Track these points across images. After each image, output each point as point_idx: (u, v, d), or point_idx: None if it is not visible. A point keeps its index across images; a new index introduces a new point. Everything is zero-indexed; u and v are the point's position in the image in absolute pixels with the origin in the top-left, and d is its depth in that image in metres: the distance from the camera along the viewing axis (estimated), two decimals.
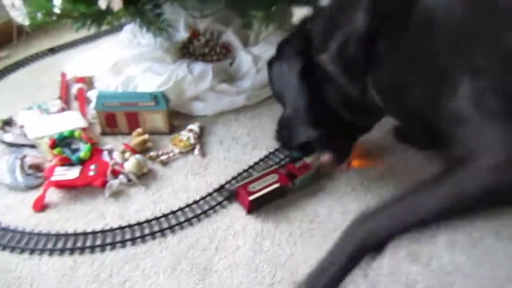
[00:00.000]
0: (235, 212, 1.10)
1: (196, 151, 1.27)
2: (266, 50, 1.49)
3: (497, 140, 0.62)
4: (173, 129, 1.35)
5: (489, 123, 0.64)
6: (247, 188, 1.09)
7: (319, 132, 1.04)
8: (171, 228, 1.06)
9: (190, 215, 1.09)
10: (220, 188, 1.16)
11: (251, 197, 1.07)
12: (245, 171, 1.21)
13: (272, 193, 1.10)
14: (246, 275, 0.96)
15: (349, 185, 1.17)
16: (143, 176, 1.20)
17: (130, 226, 1.06)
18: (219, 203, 1.12)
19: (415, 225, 0.68)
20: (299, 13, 1.63)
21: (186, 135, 1.30)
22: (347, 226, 0.76)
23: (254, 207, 1.09)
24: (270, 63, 1.12)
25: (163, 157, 1.25)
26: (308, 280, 0.75)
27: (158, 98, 1.29)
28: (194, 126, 1.33)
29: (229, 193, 1.13)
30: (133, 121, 1.31)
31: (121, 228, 1.06)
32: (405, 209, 0.69)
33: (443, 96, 0.69)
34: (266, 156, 1.26)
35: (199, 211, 1.10)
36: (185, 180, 1.19)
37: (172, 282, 0.95)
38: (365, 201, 1.12)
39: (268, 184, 1.10)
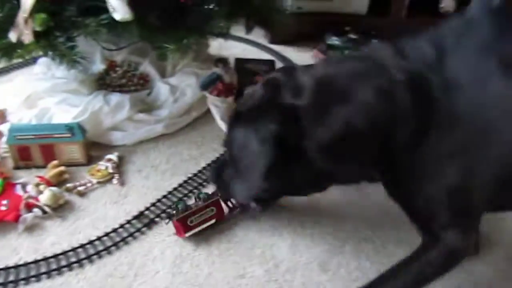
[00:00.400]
0: (154, 237, 1.12)
1: (115, 180, 1.28)
2: (183, 80, 1.55)
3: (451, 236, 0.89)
4: (91, 160, 1.35)
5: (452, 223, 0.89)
6: (185, 222, 1.10)
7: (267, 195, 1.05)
8: (88, 258, 1.06)
9: (108, 243, 1.09)
10: (139, 215, 1.17)
11: (188, 234, 1.10)
12: (164, 197, 1.24)
13: (207, 227, 1.13)
14: None
15: None
16: (60, 208, 1.19)
17: (45, 259, 1.05)
18: (138, 230, 1.14)
19: None
20: (215, 44, 1.73)
21: (104, 165, 1.31)
22: None
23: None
24: (232, 125, 1.02)
25: (81, 188, 1.24)
26: None
27: (74, 129, 1.29)
28: (113, 156, 1.34)
29: (166, 215, 1.16)
30: (49, 153, 1.30)
31: (35, 262, 1.04)
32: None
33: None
34: (185, 181, 1.30)
35: (117, 239, 1.11)
36: (103, 209, 1.20)
37: None
38: (280, 219, 1.19)
39: (206, 219, 1.12)
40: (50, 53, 1.26)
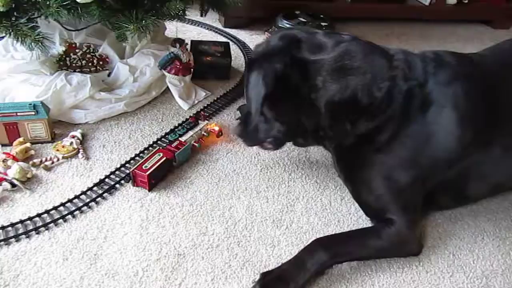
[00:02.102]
0: (121, 204, 1.21)
1: (80, 155, 1.35)
2: (142, 60, 1.62)
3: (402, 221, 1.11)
4: (54, 138, 1.41)
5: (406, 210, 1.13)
6: (141, 168, 1.24)
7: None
8: (63, 218, 1.14)
9: (78, 206, 1.18)
10: (103, 180, 1.27)
11: (148, 172, 1.23)
12: (127, 162, 1.34)
13: (162, 166, 1.28)
14: (135, 254, 1.08)
15: (222, 172, 1.35)
16: (28, 182, 1.25)
17: (17, 223, 1.11)
18: (107, 191, 1.24)
19: (350, 260, 1.10)
20: (171, 26, 1.80)
21: (69, 141, 1.37)
22: (306, 248, 1.07)
23: (152, 183, 1.25)
24: (247, 71, 1.16)
25: (47, 163, 1.31)
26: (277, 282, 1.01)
27: (38, 108, 1.34)
28: (76, 133, 1.41)
29: (126, 177, 1.27)
30: (13, 131, 1.35)
31: (11, 225, 1.11)
32: (346, 251, 1.10)
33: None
34: (145, 148, 1.42)
35: (86, 202, 1.20)
36: (71, 181, 1.27)
37: (64, 270, 1.03)
38: (237, 184, 1.31)
39: (157, 161, 1.27)
40: (11, 33, 1.29)
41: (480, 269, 1.13)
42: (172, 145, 1.35)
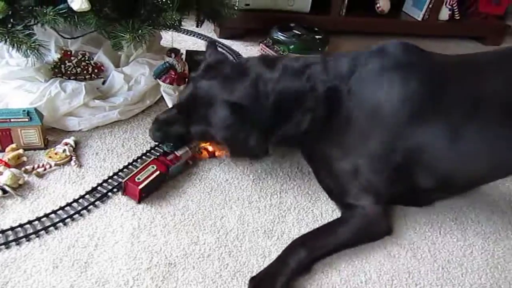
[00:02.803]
0: (113, 212, 1.21)
1: (73, 162, 1.35)
2: (137, 69, 1.63)
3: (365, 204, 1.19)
4: (48, 144, 1.41)
5: (366, 194, 1.20)
6: (134, 180, 1.23)
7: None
8: (53, 225, 1.14)
9: (68, 214, 1.18)
10: (95, 188, 1.27)
11: (140, 186, 1.22)
12: (120, 171, 1.35)
13: (155, 180, 1.26)
14: (125, 263, 1.07)
15: (215, 181, 1.36)
16: (20, 188, 1.24)
17: (7, 230, 1.11)
18: (98, 200, 1.24)
19: (328, 253, 1.14)
20: (167, 36, 1.82)
21: (62, 148, 1.37)
22: (287, 248, 1.13)
23: (143, 196, 1.24)
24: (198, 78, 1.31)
25: (40, 170, 1.30)
26: (262, 280, 1.06)
27: (32, 114, 1.34)
28: (69, 140, 1.41)
29: (118, 186, 1.27)
30: (6, 137, 1.35)
31: (1, 232, 1.11)
32: (321, 244, 1.15)
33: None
34: (139, 157, 1.42)
35: (77, 210, 1.19)
36: (63, 188, 1.27)
37: (54, 278, 1.02)
38: (229, 194, 1.31)
39: (150, 174, 1.26)
40: (6, 40, 1.30)
41: (468, 282, 1.14)
42: (167, 158, 1.34)
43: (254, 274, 1.08)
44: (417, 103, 1.14)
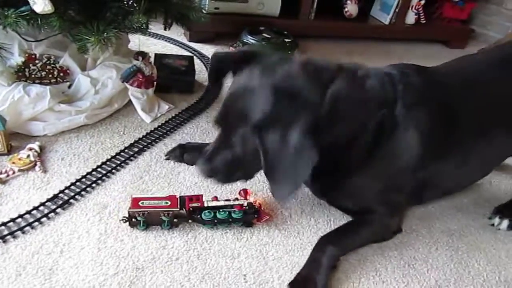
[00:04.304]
0: (79, 218, 1.19)
1: (37, 168, 1.32)
2: (104, 73, 1.61)
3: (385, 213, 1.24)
4: (11, 150, 1.37)
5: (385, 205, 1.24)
6: (137, 203, 1.16)
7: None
8: (14, 233, 1.11)
9: (31, 220, 1.15)
10: (57, 195, 1.24)
11: (130, 210, 1.16)
12: (83, 177, 1.32)
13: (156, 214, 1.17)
14: (92, 269, 1.05)
15: (184, 185, 1.35)
16: None
17: None
18: (60, 206, 1.21)
19: (351, 250, 1.20)
20: (135, 39, 1.80)
21: (26, 153, 1.34)
22: (316, 249, 1.14)
23: (132, 222, 1.17)
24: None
25: (2, 176, 1.27)
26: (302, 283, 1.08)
27: None
28: (34, 145, 1.37)
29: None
30: None
31: None
32: (348, 242, 1.20)
33: None
34: (108, 160, 1.40)
35: (43, 214, 1.17)
36: (27, 195, 1.24)
37: (17, 286, 0.99)
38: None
39: (158, 206, 1.16)
40: None
41: (433, 278, 1.16)
42: (191, 201, 1.20)
43: (222, 276, 1.08)
44: (436, 139, 1.21)
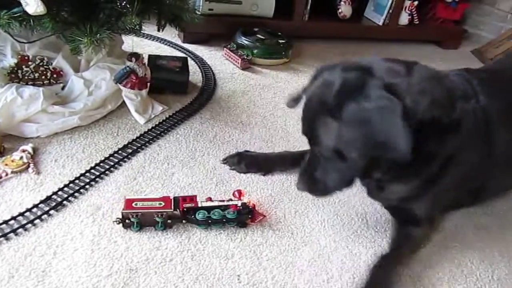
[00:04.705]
0: (72, 219, 1.18)
1: (31, 170, 1.31)
2: (98, 74, 1.60)
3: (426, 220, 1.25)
4: (4, 152, 1.36)
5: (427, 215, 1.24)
6: (131, 204, 1.16)
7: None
8: (6, 235, 1.10)
9: (24, 222, 1.14)
10: (50, 197, 1.23)
11: (123, 211, 1.15)
12: (76, 178, 1.31)
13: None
14: (85, 270, 1.05)
15: (178, 185, 1.35)
16: None
17: None
18: (50, 210, 1.20)
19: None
20: (129, 41, 1.80)
21: (19, 155, 1.33)
22: (369, 274, 1.13)
23: (126, 223, 1.17)
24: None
25: None
26: None
27: None
28: (27, 147, 1.37)
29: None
30: None
31: None
32: (395, 265, 1.17)
33: None
34: (102, 161, 1.39)
35: (36, 216, 1.17)
36: (20, 197, 1.23)
37: None
38: None
39: (151, 207, 1.16)
40: None
41: (427, 278, 1.17)
42: (185, 202, 1.20)
43: (216, 276, 1.08)
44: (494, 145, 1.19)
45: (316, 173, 1.10)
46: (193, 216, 1.18)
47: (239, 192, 1.29)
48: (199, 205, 1.21)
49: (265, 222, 1.26)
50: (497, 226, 1.38)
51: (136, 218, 1.15)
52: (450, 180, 1.15)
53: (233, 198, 1.28)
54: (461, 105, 1.09)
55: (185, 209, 1.19)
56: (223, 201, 1.25)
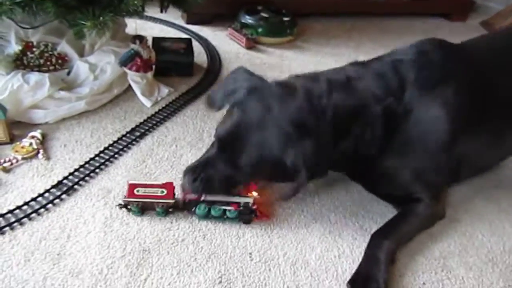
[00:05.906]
0: (84, 203, 1.20)
1: (40, 155, 1.32)
2: (102, 58, 1.60)
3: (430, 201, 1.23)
4: (13, 139, 1.37)
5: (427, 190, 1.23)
6: (133, 190, 1.16)
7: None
8: (21, 219, 1.12)
9: (37, 207, 1.16)
10: (62, 182, 1.25)
11: (129, 199, 1.15)
12: (86, 163, 1.32)
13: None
14: (99, 252, 1.07)
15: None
16: None
17: None
18: (62, 195, 1.21)
19: (406, 242, 1.18)
20: (132, 23, 1.78)
21: (28, 141, 1.34)
22: (371, 245, 1.13)
23: (128, 208, 1.18)
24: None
25: (6, 164, 1.28)
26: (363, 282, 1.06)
27: None
28: (36, 133, 1.38)
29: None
30: None
31: None
32: (401, 234, 1.18)
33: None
34: (111, 145, 1.40)
35: (49, 200, 1.18)
36: (31, 182, 1.24)
37: (26, 272, 1.01)
38: None
39: (153, 196, 1.16)
40: None
41: (438, 250, 1.17)
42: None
43: (228, 255, 1.09)
44: (467, 115, 1.21)
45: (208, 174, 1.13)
46: (193, 209, 1.18)
47: (250, 187, 1.21)
48: (202, 197, 1.18)
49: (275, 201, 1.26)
50: (508, 198, 1.37)
51: (137, 208, 1.16)
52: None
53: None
54: (373, 109, 1.15)
55: (186, 201, 1.19)
56: None
